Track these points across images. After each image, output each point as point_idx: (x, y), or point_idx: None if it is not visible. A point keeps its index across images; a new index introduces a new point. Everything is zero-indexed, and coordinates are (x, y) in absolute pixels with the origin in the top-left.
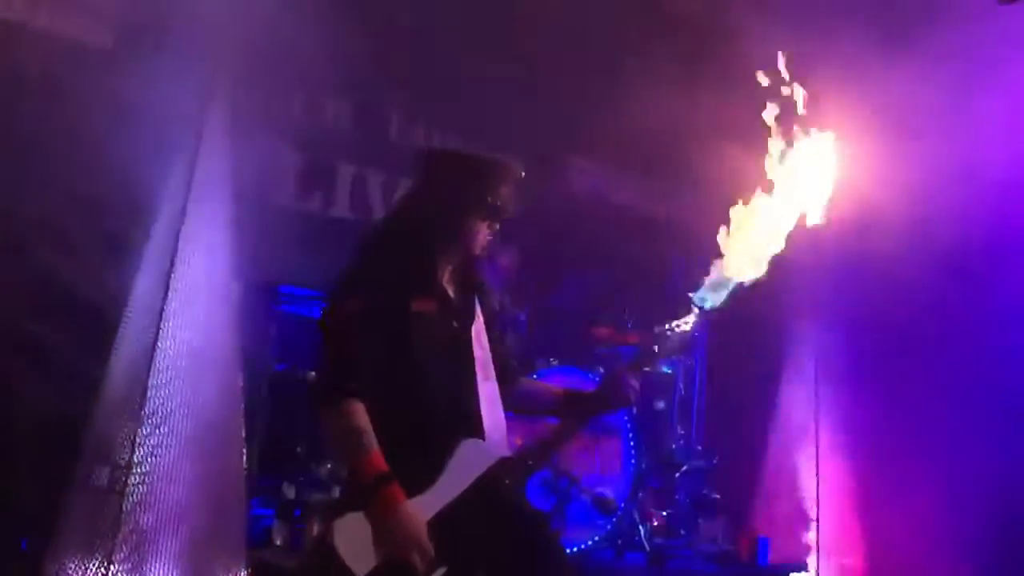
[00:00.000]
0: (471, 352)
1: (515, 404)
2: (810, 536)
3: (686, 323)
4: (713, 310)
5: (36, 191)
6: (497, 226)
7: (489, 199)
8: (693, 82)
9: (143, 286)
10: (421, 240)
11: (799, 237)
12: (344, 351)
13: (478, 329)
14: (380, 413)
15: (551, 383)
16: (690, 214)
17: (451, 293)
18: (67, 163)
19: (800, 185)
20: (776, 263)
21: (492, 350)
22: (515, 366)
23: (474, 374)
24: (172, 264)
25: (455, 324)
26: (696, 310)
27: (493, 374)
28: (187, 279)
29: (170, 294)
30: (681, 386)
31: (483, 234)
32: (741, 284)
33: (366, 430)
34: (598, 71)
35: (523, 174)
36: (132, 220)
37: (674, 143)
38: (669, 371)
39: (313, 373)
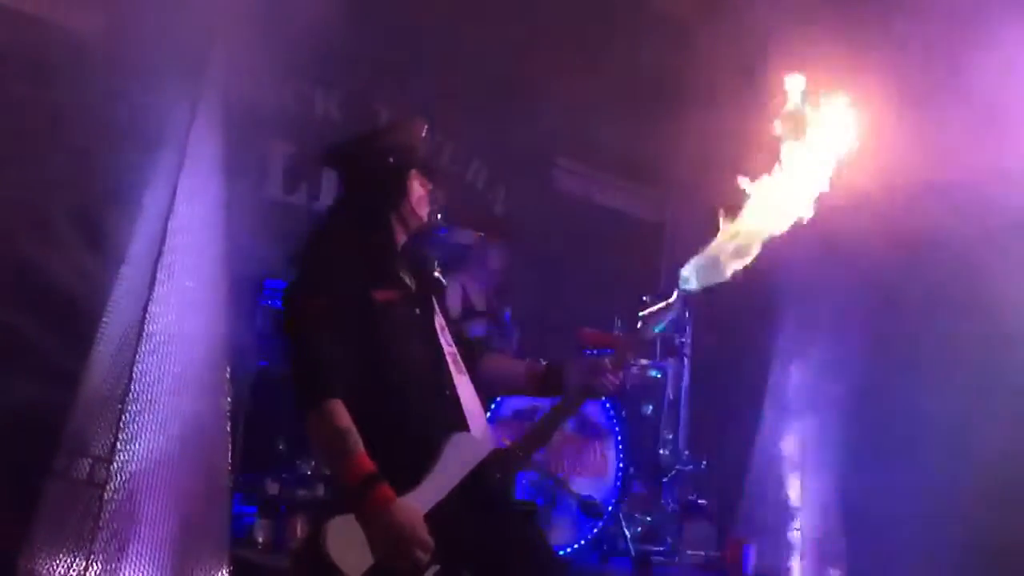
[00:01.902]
0: (440, 343)
1: (485, 382)
2: (794, 543)
3: (667, 304)
4: (695, 292)
5: (16, 177)
6: (431, 184)
7: (412, 153)
8: (681, 85)
9: (129, 276)
10: (369, 219)
11: (787, 236)
12: (318, 351)
13: (441, 324)
14: (361, 410)
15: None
16: (679, 217)
17: (409, 283)
18: (50, 149)
19: (808, 162)
20: (765, 262)
21: (456, 342)
22: (477, 346)
23: (448, 365)
24: (159, 255)
25: (418, 312)
26: (677, 291)
27: (464, 368)
28: (174, 270)
29: (156, 285)
30: (669, 391)
31: (422, 193)
32: (735, 267)
33: (350, 430)
34: (588, 72)
35: (426, 128)
36: (117, 209)
37: (663, 147)
38: (658, 375)
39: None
